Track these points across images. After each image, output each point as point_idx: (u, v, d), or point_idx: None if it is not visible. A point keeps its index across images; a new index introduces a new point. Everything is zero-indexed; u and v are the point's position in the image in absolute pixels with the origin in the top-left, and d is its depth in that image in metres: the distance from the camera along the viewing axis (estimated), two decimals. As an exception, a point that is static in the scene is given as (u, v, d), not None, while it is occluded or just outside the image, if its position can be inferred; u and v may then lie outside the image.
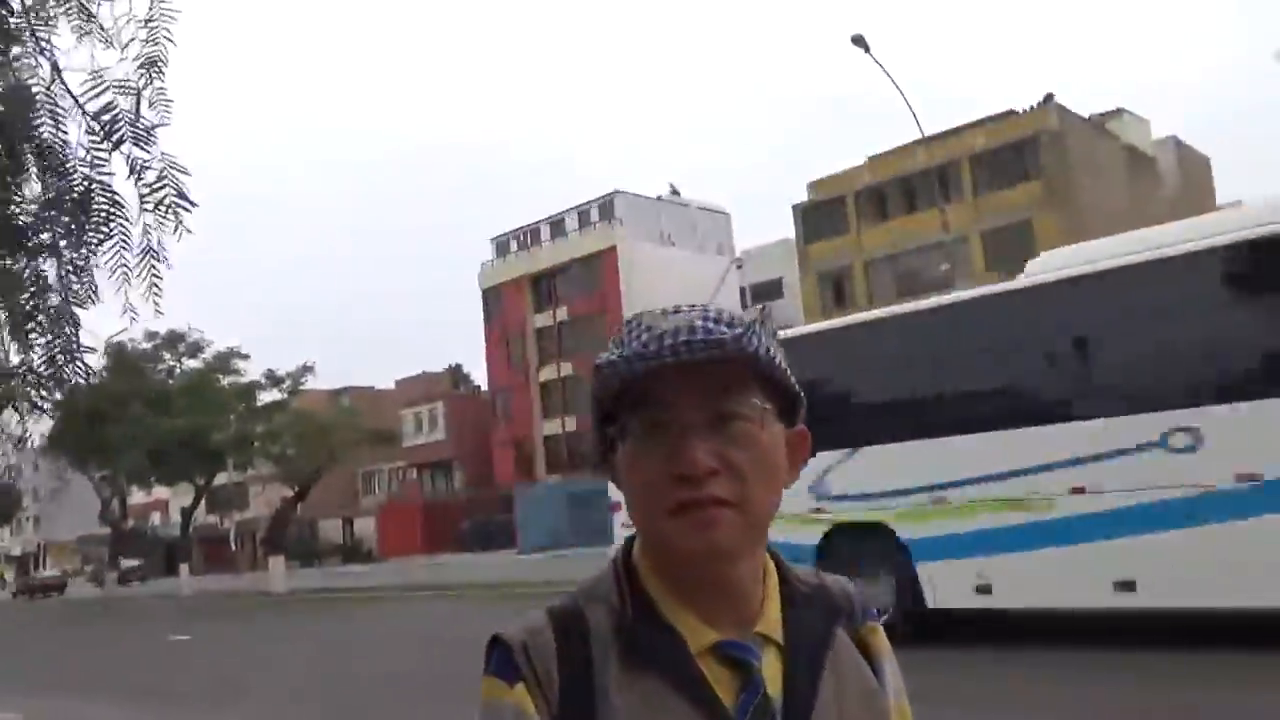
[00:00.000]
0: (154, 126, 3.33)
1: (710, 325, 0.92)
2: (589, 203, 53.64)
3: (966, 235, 33.40)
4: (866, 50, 22.66)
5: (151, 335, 40.35)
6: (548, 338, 52.31)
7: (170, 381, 42.50)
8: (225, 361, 45.89)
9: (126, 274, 3.17)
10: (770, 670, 0.96)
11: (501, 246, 57.10)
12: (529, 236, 56.00)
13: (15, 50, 3.45)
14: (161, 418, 38.96)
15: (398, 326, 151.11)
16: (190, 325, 41.89)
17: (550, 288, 52.50)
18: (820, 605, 1.03)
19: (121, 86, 3.28)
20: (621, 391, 0.96)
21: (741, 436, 0.94)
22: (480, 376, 61.59)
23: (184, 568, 40.23)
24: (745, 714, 0.93)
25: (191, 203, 3.26)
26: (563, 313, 51.49)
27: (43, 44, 3.22)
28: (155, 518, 69.93)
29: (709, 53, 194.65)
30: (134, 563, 54.69)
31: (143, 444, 39.56)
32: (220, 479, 52.88)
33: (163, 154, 3.24)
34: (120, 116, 3.27)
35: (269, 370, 47.69)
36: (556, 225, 54.76)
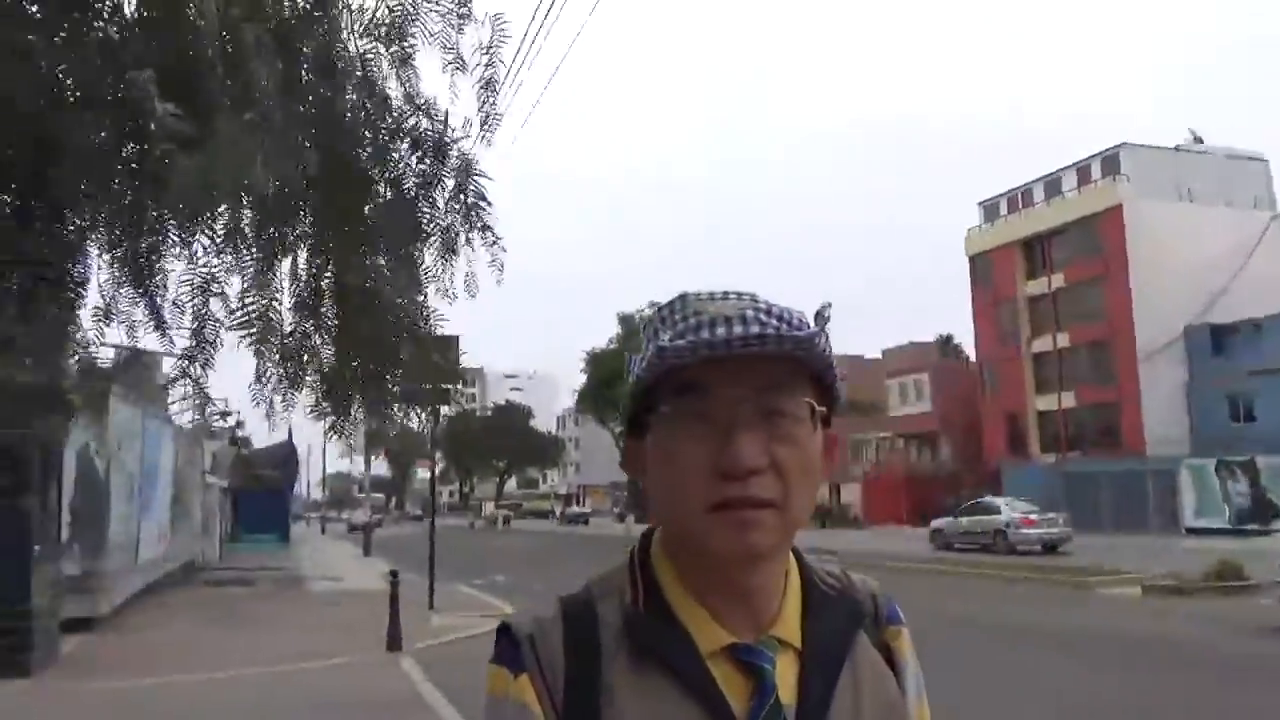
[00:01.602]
0: (453, 142, 4.45)
1: (763, 318, 0.90)
2: (1089, 158, 49.00)
3: None
4: None
5: (654, 304, 45.53)
6: (1041, 306, 49.06)
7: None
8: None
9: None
10: (785, 675, 0.94)
11: (990, 210, 54.52)
12: (1020, 199, 52.80)
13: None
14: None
15: (884, 295, 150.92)
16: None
17: (1044, 253, 49.08)
18: (842, 608, 1.00)
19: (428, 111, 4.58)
20: (665, 375, 0.93)
21: (789, 435, 0.91)
22: (969, 346, 59.72)
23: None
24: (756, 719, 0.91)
25: (488, 202, 4.50)
26: (1058, 279, 47.94)
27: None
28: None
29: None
30: (584, 510, 76.91)
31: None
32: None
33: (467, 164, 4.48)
34: (430, 138, 4.46)
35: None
36: (1051, 185, 50.90)
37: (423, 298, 4.65)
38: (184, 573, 21.87)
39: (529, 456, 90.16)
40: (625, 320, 54.52)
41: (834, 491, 62.74)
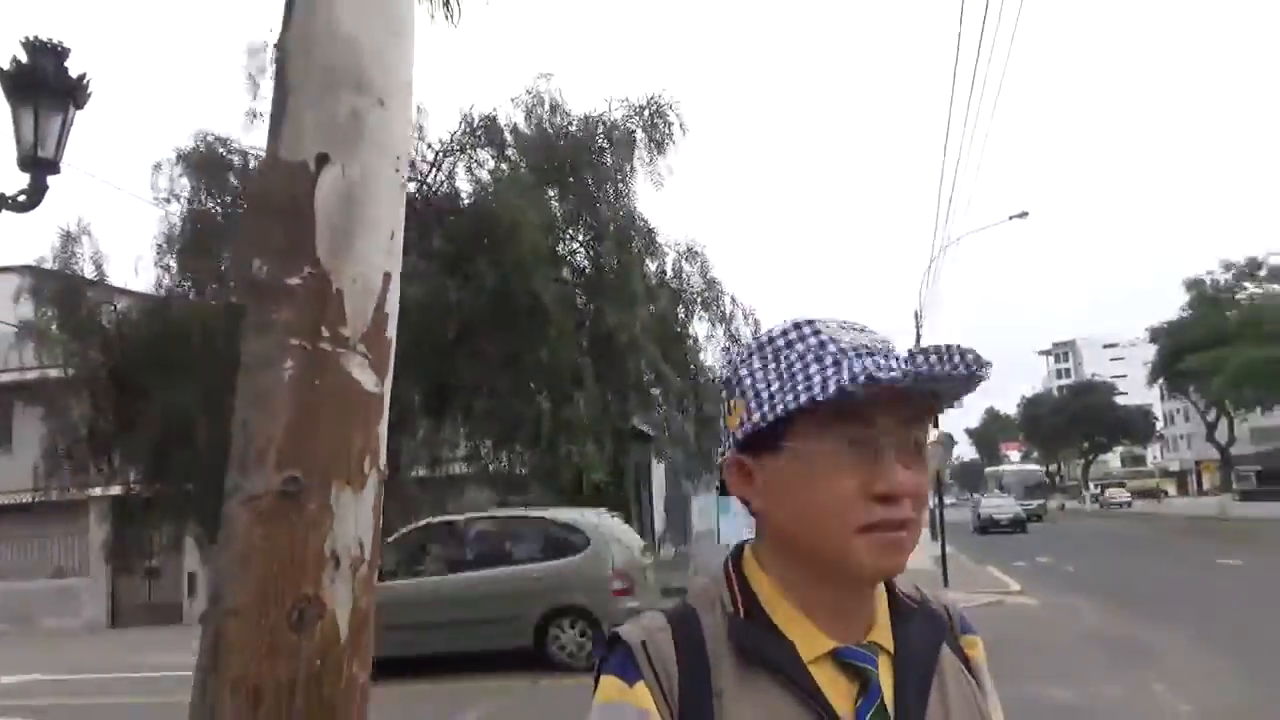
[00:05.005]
0: None
1: (933, 360, 0.90)
2: None
3: None
4: None
5: (1228, 266, 40.40)
6: None
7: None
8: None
9: None
10: (883, 679, 0.97)
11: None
12: None
13: None
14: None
15: None
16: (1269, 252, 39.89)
17: None
18: (925, 618, 1.04)
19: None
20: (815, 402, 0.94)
21: (920, 462, 0.97)
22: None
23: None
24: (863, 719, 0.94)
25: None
26: None
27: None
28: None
29: None
30: (1124, 498, 63.88)
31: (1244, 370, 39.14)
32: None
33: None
34: None
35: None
36: None
37: None
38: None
39: (1115, 433, 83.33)
40: (1195, 286, 46.25)
41: None
